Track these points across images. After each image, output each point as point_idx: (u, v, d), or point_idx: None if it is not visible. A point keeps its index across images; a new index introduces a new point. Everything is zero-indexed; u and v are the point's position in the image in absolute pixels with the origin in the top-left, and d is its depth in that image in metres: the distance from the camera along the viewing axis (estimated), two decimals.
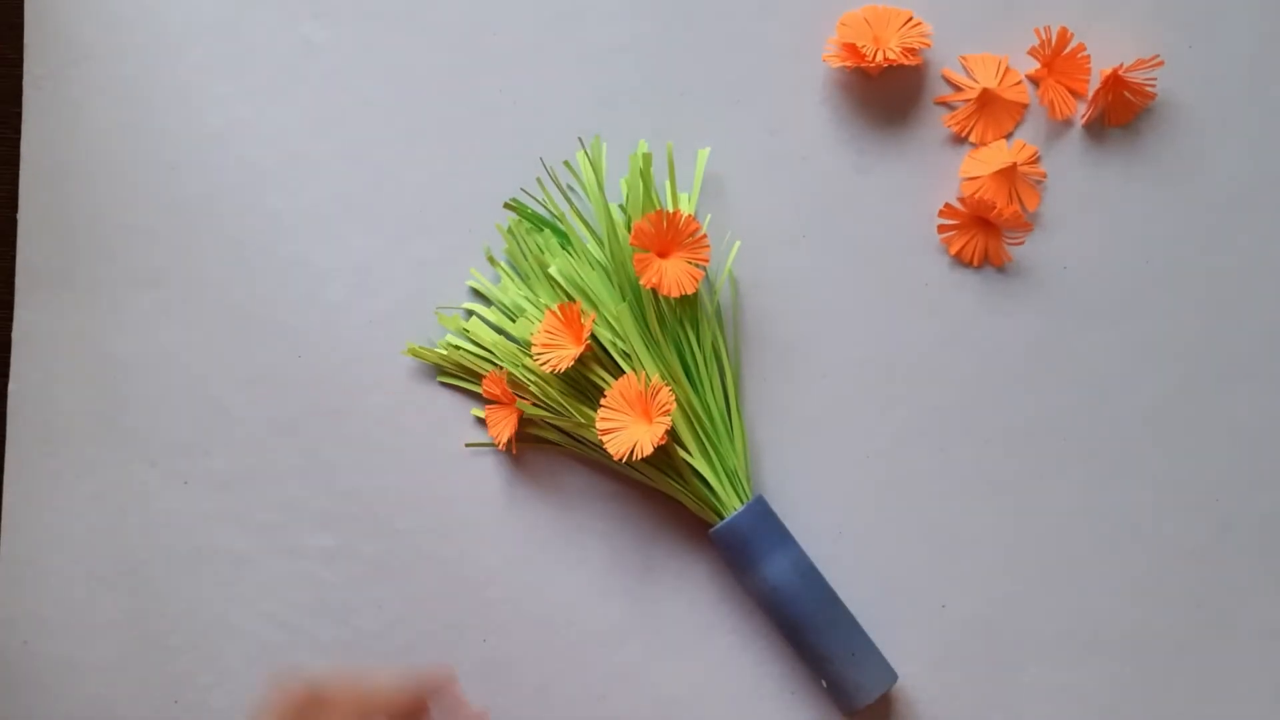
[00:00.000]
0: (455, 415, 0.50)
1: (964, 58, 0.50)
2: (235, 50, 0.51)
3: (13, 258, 0.51)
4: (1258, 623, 0.48)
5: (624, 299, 0.48)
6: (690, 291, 0.46)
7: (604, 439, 0.46)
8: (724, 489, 0.47)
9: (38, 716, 0.50)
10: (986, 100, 0.49)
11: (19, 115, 0.52)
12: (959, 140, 0.50)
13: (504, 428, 0.49)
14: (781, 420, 0.50)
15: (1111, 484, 0.49)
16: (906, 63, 0.48)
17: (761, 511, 0.47)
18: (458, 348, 0.50)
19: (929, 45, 0.50)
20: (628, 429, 0.46)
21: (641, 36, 0.51)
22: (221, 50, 0.51)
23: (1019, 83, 0.50)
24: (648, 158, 0.48)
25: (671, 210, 0.47)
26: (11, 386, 0.51)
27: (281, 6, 0.51)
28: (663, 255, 0.47)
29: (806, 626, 0.46)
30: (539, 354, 0.47)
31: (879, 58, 0.48)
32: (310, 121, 0.51)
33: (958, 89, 0.50)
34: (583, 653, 0.49)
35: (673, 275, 0.46)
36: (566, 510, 0.50)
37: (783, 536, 0.47)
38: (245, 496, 0.50)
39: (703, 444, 0.47)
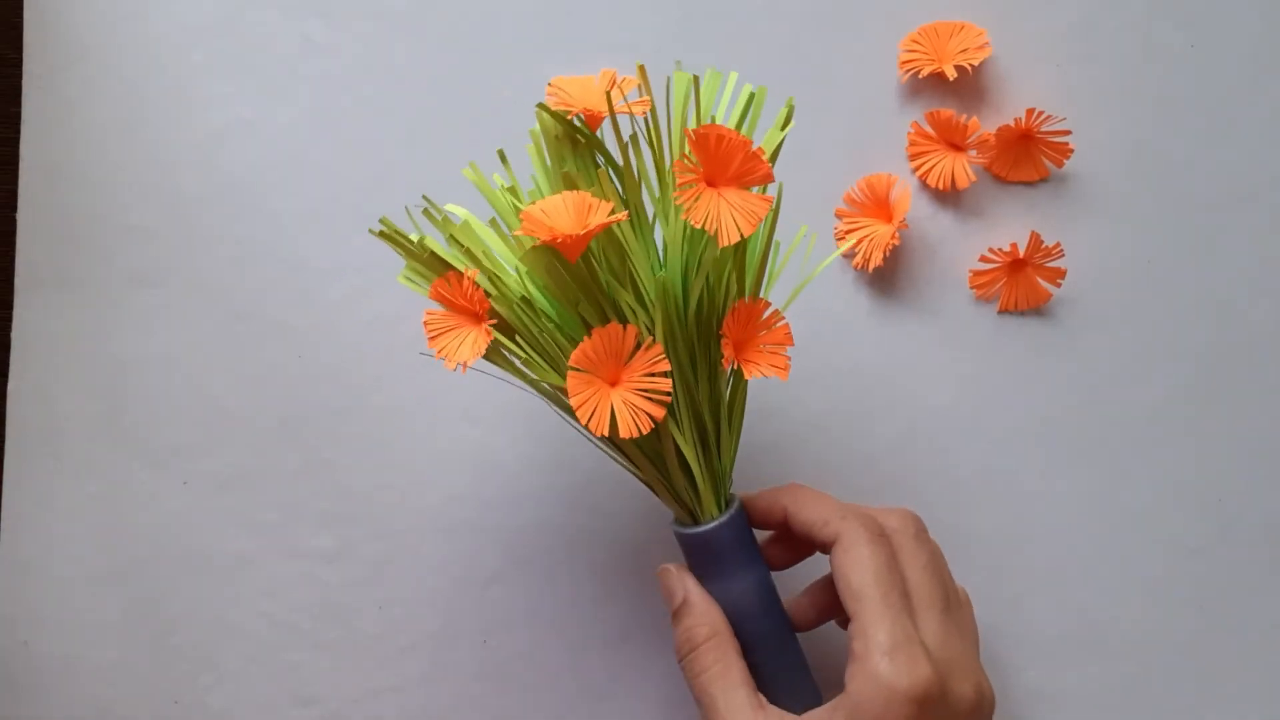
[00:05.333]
0: (455, 415, 0.50)
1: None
2: (235, 50, 0.51)
3: (13, 258, 0.51)
4: (1261, 624, 0.48)
5: (662, 267, 0.40)
6: (748, 233, 0.36)
7: (577, 410, 0.36)
8: (707, 492, 0.42)
9: (38, 716, 0.50)
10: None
11: (19, 115, 0.52)
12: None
13: (463, 345, 0.38)
14: (781, 420, 0.50)
15: (1113, 484, 0.49)
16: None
17: (741, 524, 0.42)
18: (427, 249, 0.40)
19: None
20: (599, 392, 0.37)
21: (642, 36, 0.51)
22: (221, 50, 0.51)
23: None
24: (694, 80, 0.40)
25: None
26: (11, 386, 0.51)
27: (282, 6, 0.51)
28: (712, 184, 0.37)
29: (761, 642, 0.42)
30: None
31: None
32: (310, 121, 0.51)
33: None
34: (583, 653, 0.49)
35: (730, 211, 0.36)
36: (566, 510, 0.50)
37: (754, 549, 0.43)
38: (245, 496, 0.50)
39: (697, 440, 0.41)
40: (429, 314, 0.39)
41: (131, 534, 0.50)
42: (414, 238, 0.40)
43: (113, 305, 0.51)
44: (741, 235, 0.36)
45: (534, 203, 0.36)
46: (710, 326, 0.40)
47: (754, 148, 0.36)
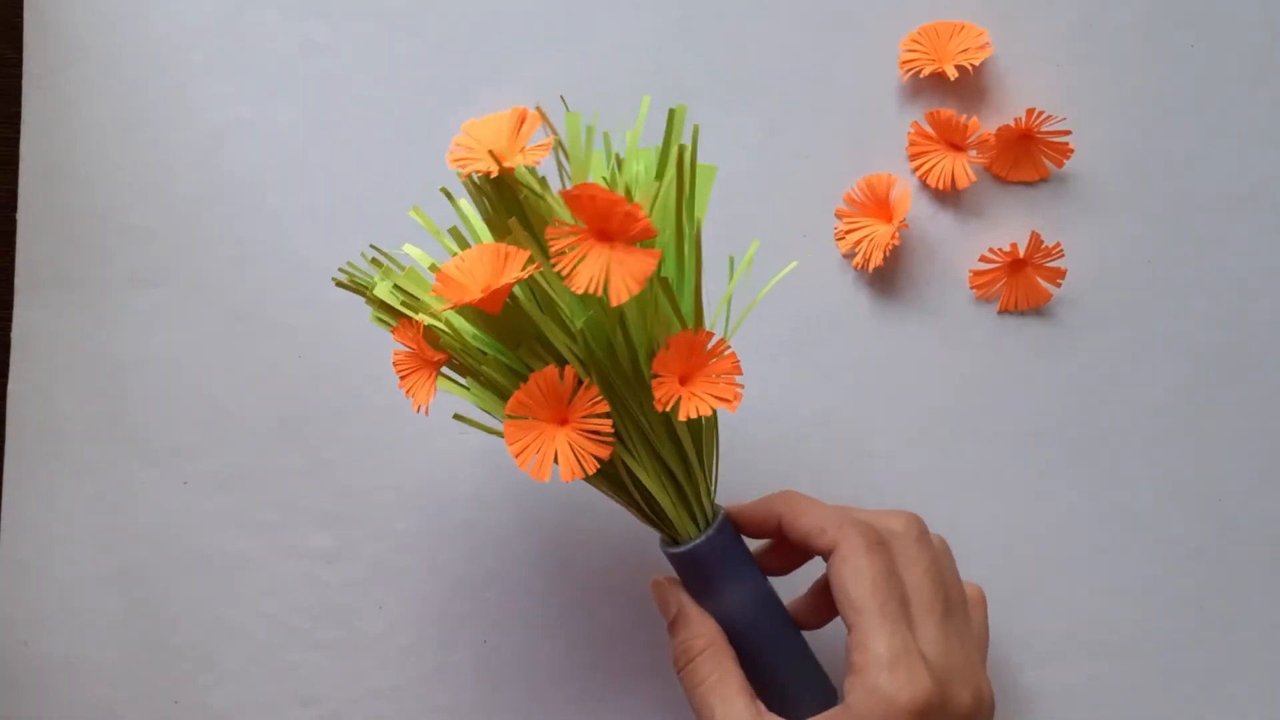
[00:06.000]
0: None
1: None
2: (235, 50, 0.51)
3: (13, 258, 0.51)
4: (1261, 624, 0.48)
5: (588, 311, 0.38)
6: (635, 292, 0.34)
7: (515, 457, 0.36)
8: (679, 517, 0.40)
9: (38, 716, 0.50)
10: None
11: (19, 115, 0.52)
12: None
13: (419, 385, 0.38)
14: (780, 421, 0.50)
15: (1113, 484, 0.49)
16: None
17: (727, 537, 0.41)
18: (395, 290, 0.40)
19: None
20: (541, 436, 0.36)
21: (642, 36, 0.51)
22: (221, 50, 0.51)
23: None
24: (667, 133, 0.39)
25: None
26: (11, 386, 0.51)
27: (282, 6, 0.51)
28: (604, 240, 0.35)
29: (761, 652, 0.42)
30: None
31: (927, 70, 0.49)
32: (310, 121, 0.51)
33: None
34: (583, 653, 0.49)
35: (619, 269, 0.34)
36: (566, 510, 0.50)
37: (744, 561, 0.42)
38: (245, 496, 0.50)
39: (659, 467, 0.39)
40: (397, 354, 0.39)
41: (131, 534, 0.50)
42: (375, 281, 0.40)
43: (113, 305, 0.51)
44: (630, 294, 0.34)
45: (453, 258, 0.36)
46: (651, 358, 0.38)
47: (630, 204, 0.33)
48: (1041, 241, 0.48)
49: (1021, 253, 0.48)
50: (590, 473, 0.36)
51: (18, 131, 0.51)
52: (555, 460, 0.35)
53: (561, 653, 0.49)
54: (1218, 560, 0.49)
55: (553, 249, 0.34)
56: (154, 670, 0.50)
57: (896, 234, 0.48)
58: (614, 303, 0.34)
